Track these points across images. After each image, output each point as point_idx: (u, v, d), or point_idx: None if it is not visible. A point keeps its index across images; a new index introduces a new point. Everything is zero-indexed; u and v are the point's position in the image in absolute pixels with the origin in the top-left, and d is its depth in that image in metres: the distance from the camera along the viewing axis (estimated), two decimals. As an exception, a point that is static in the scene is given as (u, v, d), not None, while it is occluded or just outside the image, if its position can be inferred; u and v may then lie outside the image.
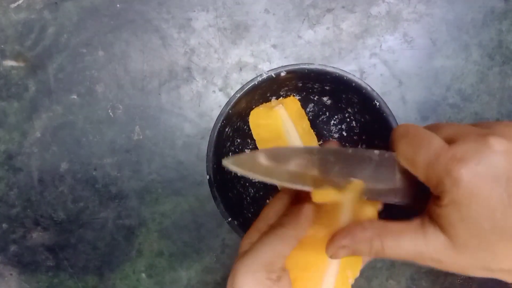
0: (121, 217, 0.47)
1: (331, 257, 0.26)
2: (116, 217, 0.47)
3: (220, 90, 0.46)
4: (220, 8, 0.46)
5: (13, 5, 0.47)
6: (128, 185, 0.46)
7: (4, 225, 0.47)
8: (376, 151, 0.26)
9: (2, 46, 0.46)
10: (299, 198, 0.29)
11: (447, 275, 0.47)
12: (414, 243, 0.23)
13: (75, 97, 0.46)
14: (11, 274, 0.47)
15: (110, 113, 0.46)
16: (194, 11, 0.46)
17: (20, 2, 0.47)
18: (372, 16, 0.46)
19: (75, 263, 0.47)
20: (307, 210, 0.28)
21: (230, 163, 0.27)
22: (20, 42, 0.46)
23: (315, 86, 0.41)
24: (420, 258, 0.23)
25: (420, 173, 0.23)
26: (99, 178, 0.46)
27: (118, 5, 0.46)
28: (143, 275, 0.47)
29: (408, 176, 0.25)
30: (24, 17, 0.46)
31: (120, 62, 0.46)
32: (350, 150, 0.27)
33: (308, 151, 0.27)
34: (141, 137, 0.46)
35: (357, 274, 0.30)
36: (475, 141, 0.21)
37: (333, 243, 0.25)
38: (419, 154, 0.23)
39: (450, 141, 0.23)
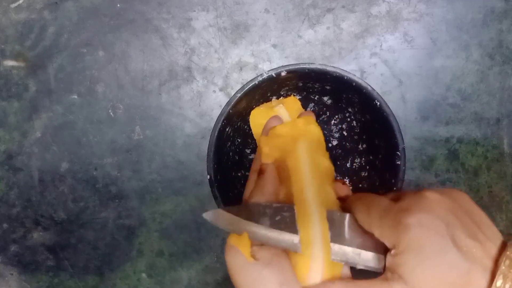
0: (121, 217, 0.47)
1: None
2: (116, 217, 0.47)
3: (221, 90, 0.46)
4: (220, 8, 0.46)
5: (13, 5, 0.47)
6: (128, 185, 0.46)
7: (5, 225, 0.47)
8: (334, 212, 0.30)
9: (2, 46, 0.46)
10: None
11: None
12: None
13: (76, 97, 0.46)
14: (11, 274, 0.47)
15: (111, 113, 0.46)
16: (194, 11, 0.46)
17: (20, 2, 0.47)
18: (372, 15, 0.46)
19: (76, 263, 0.47)
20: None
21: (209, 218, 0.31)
22: (20, 42, 0.46)
23: (316, 86, 0.41)
24: None
25: (374, 227, 0.27)
26: (100, 178, 0.46)
27: (118, 5, 0.46)
28: (144, 275, 0.47)
29: (362, 235, 0.29)
30: (24, 17, 0.46)
31: (120, 62, 0.46)
32: None
33: (278, 208, 0.30)
34: (141, 137, 0.46)
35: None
36: (414, 195, 0.26)
37: None
38: (372, 210, 0.27)
39: (394, 201, 0.27)
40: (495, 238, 0.25)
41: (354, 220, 0.29)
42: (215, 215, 0.30)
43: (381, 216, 0.26)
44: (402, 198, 0.27)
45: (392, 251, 0.25)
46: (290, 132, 0.36)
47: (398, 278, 0.25)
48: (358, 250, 0.28)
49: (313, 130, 0.36)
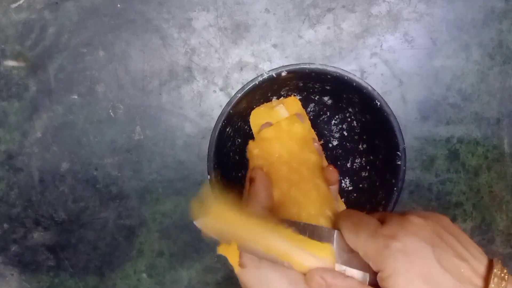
0: (121, 217, 0.47)
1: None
2: (116, 217, 0.47)
3: (221, 90, 0.46)
4: (221, 8, 0.46)
5: (13, 5, 0.47)
6: (128, 185, 0.46)
7: (5, 225, 0.47)
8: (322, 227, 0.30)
9: (3, 46, 0.46)
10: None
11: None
12: None
13: (76, 97, 0.46)
14: (12, 274, 0.47)
15: (111, 113, 0.46)
16: (195, 11, 0.46)
17: (20, 2, 0.47)
18: (373, 15, 0.46)
19: (76, 263, 0.47)
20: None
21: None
22: (21, 42, 0.46)
23: (316, 86, 0.41)
24: None
25: (360, 248, 0.27)
26: (100, 178, 0.46)
27: (118, 5, 0.46)
28: (144, 275, 0.47)
29: (349, 252, 0.29)
30: (25, 17, 0.46)
31: (121, 62, 0.46)
32: (301, 225, 0.30)
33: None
34: (141, 137, 0.46)
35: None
36: (399, 219, 0.27)
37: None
38: (360, 231, 0.27)
39: (381, 222, 0.28)
40: (481, 257, 0.26)
41: (342, 237, 0.29)
42: (204, 223, 0.30)
43: (367, 238, 0.27)
44: (388, 222, 0.28)
45: (379, 274, 0.26)
46: (276, 135, 0.36)
47: None
48: (344, 267, 0.28)
49: (296, 130, 0.36)
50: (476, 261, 0.26)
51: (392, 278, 0.25)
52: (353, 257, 0.28)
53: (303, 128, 0.37)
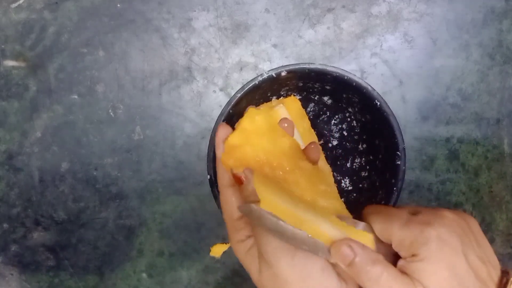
0: (121, 217, 0.47)
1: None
2: (116, 217, 0.47)
3: (221, 90, 0.46)
4: (221, 7, 0.46)
5: (13, 5, 0.47)
6: (128, 185, 0.46)
7: (5, 225, 0.47)
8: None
9: (3, 46, 0.46)
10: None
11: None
12: (391, 281, 0.27)
13: (76, 97, 0.46)
14: (11, 274, 0.47)
15: (111, 113, 0.46)
16: (195, 11, 0.46)
17: (20, 2, 0.47)
18: (373, 15, 0.46)
19: (76, 263, 0.47)
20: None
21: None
22: (21, 42, 0.46)
23: (316, 86, 0.41)
24: None
25: (394, 237, 0.28)
26: (100, 178, 0.46)
27: (118, 5, 0.46)
28: (144, 275, 0.47)
29: None
30: (25, 17, 0.46)
31: (121, 62, 0.46)
32: None
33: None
34: (141, 137, 0.46)
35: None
36: (433, 212, 0.29)
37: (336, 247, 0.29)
38: (393, 222, 0.29)
39: (412, 214, 0.29)
40: (497, 265, 0.28)
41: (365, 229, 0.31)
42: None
43: (402, 227, 0.28)
44: (422, 213, 0.29)
45: (409, 258, 0.27)
46: (243, 138, 0.34)
47: (416, 282, 0.27)
48: None
49: (259, 123, 0.34)
50: (492, 267, 0.27)
51: (423, 263, 0.26)
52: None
53: (264, 118, 0.35)
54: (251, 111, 0.34)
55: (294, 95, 0.42)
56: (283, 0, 0.46)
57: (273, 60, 0.46)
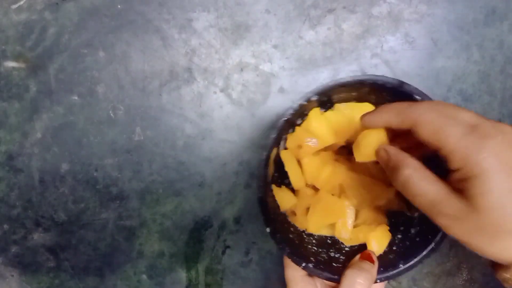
0: (122, 218, 0.47)
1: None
2: (116, 218, 0.47)
3: (221, 90, 0.46)
4: (221, 8, 0.46)
5: (14, 6, 0.47)
6: (129, 186, 0.46)
7: (5, 226, 0.47)
8: None
9: (3, 46, 0.46)
10: None
11: (448, 275, 0.47)
12: (437, 190, 0.26)
13: (76, 97, 0.46)
14: (12, 275, 0.47)
15: (111, 114, 0.46)
16: (195, 11, 0.46)
17: (21, 2, 0.47)
18: (373, 16, 0.46)
19: (76, 264, 0.47)
20: None
21: None
22: (21, 43, 0.46)
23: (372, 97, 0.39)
24: (434, 208, 0.26)
25: (449, 144, 0.25)
26: (100, 179, 0.46)
27: (118, 6, 0.46)
28: (144, 276, 0.47)
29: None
30: (25, 18, 0.46)
31: (121, 62, 0.46)
32: None
33: None
34: (142, 137, 0.46)
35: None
36: (493, 125, 0.25)
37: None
38: (452, 125, 0.26)
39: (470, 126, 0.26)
40: None
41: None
42: None
43: (464, 133, 0.25)
44: (481, 123, 0.26)
45: (459, 172, 0.25)
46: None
47: (458, 195, 0.25)
48: None
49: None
50: None
51: (477, 180, 0.24)
52: None
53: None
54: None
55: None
56: (283, 0, 0.46)
57: (273, 61, 0.46)
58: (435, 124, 0.26)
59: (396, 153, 0.29)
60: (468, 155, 0.24)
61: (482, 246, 0.25)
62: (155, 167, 0.46)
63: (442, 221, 0.26)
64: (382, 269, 0.36)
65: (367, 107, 0.38)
